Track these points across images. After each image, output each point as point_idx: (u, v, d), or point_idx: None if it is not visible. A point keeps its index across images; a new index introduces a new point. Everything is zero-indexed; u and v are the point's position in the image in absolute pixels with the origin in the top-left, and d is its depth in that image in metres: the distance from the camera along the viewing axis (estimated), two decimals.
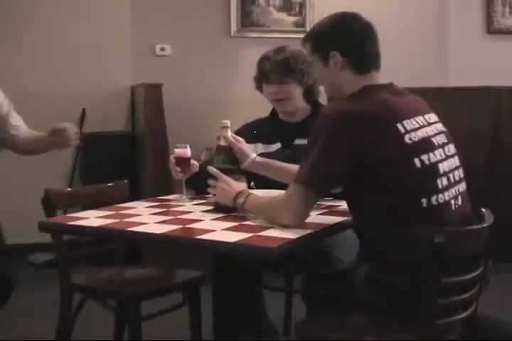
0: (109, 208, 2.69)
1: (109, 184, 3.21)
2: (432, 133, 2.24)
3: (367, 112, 2.15)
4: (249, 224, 2.31)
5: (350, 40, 2.32)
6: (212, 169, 2.58)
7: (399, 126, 2.14)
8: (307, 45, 2.41)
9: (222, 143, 2.69)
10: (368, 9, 5.86)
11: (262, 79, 3.10)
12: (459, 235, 2.03)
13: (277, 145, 3.11)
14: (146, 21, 5.63)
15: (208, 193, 2.67)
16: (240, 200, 2.42)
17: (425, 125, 2.24)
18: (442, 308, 1.98)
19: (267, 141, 3.12)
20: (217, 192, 2.55)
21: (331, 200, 2.75)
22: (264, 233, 2.16)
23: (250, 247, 2.05)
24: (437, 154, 2.19)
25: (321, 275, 2.63)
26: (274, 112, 3.24)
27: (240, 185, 2.54)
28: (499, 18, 6.28)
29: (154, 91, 5.09)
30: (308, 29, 5.83)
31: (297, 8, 5.89)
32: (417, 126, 2.20)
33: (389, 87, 2.32)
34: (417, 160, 2.13)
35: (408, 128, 2.16)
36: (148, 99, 5.08)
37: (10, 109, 3.29)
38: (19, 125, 3.32)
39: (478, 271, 2.08)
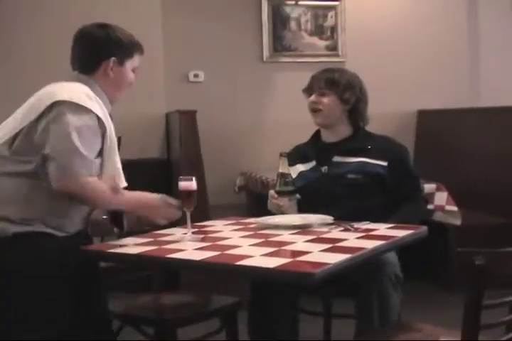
0: (147, 235, 2.70)
1: None
2: None
3: None
4: (287, 250, 2.30)
5: None
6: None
7: None
8: None
9: (281, 170, 2.96)
10: (399, 32, 5.98)
11: (306, 91, 3.21)
12: (499, 256, 2.00)
13: (313, 163, 3.18)
14: (179, 48, 5.68)
15: None
16: None
17: None
18: (485, 330, 1.94)
19: (304, 160, 3.21)
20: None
21: (367, 224, 2.73)
22: (303, 258, 2.14)
23: (291, 273, 2.04)
24: None
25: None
26: (316, 134, 3.30)
27: None
28: None
29: (189, 118, 5.11)
30: (340, 52, 5.85)
31: (329, 32, 5.90)
32: None
33: None
34: None
35: None
36: (183, 126, 5.10)
37: None
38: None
39: None
